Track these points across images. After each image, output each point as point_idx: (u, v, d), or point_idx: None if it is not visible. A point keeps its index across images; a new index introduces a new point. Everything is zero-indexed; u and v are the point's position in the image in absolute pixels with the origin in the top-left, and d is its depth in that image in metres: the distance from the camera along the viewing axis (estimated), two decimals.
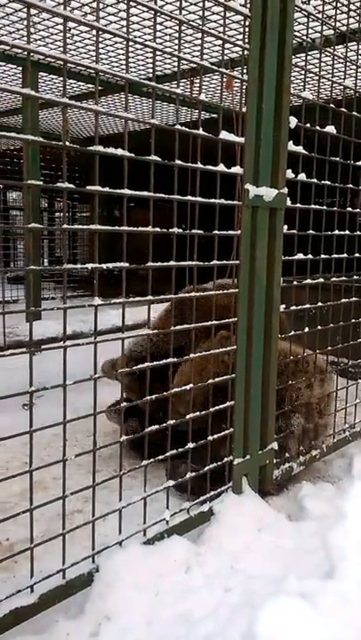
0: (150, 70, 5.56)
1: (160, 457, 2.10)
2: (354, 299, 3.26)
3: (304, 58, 2.64)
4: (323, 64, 2.80)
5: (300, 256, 2.70)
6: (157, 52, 1.92)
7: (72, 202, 12.45)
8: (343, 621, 1.77)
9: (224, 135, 2.22)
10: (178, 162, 2.04)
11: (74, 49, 5.13)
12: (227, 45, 2.27)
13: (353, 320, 3.32)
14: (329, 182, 2.84)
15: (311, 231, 2.77)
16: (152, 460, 2.07)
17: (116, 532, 2.01)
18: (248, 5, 2.23)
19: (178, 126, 2.02)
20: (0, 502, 2.49)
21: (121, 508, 1.97)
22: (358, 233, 3.26)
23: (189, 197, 2.11)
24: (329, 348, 3.07)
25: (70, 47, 5.02)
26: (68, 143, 1.64)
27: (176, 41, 4.22)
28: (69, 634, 1.64)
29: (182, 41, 4.29)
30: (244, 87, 2.29)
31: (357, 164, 3.06)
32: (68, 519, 2.51)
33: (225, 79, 4.80)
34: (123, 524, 2.01)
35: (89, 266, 1.77)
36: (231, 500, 2.38)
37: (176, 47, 2.02)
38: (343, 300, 3.18)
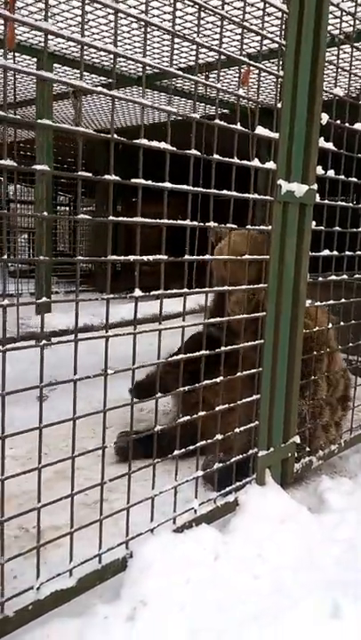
0: (164, 64, 5.56)
1: (191, 447, 2.13)
2: None
3: (336, 53, 2.66)
4: (351, 62, 2.80)
5: (327, 252, 2.73)
6: (176, 43, 1.94)
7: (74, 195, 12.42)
8: None
9: (260, 130, 2.24)
10: (216, 156, 2.06)
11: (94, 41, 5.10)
12: (253, 40, 2.28)
13: None
14: (355, 179, 2.86)
15: (337, 227, 2.80)
16: (183, 450, 2.10)
17: (143, 521, 2.04)
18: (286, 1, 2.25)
19: (217, 120, 2.04)
20: (26, 491, 2.51)
21: (153, 496, 2.00)
22: None
23: (225, 191, 2.13)
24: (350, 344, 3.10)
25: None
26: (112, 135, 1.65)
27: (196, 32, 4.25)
28: (107, 617, 1.67)
29: (203, 34, 4.30)
30: (280, 83, 2.30)
31: None
32: (92, 508, 2.55)
33: (242, 74, 4.81)
34: (150, 512, 2.04)
35: (131, 258, 1.79)
36: (255, 491, 2.42)
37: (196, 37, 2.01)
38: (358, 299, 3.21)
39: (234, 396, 2.35)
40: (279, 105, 2.30)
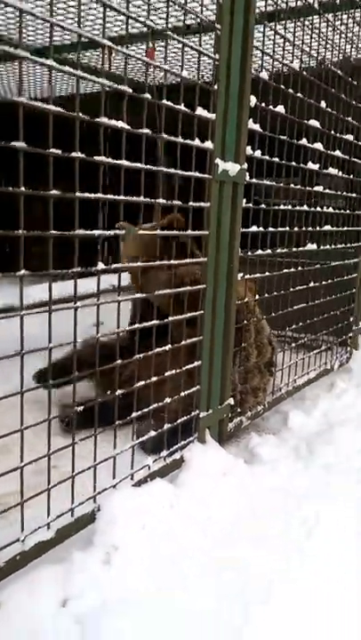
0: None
1: (145, 410, 2.29)
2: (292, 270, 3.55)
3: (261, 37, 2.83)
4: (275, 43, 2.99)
5: (255, 228, 2.94)
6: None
7: None
8: None
9: (199, 111, 2.39)
10: (164, 135, 2.19)
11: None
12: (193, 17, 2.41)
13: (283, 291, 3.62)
14: (277, 159, 3.08)
15: (263, 205, 3.02)
16: (139, 412, 2.25)
17: (101, 480, 2.17)
18: None
19: (164, 101, 2.17)
20: None
21: (115, 455, 2.14)
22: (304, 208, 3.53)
23: (172, 170, 2.27)
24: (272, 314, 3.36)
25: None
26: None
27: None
28: (85, 561, 1.82)
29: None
30: (216, 65, 2.46)
31: (301, 142, 3.32)
32: (44, 475, 2.62)
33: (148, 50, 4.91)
34: (106, 471, 2.16)
35: (96, 232, 1.89)
36: (198, 448, 2.62)
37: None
38: (282, 272, 3.46)
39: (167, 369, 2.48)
40: (215, 86, 2.46)
